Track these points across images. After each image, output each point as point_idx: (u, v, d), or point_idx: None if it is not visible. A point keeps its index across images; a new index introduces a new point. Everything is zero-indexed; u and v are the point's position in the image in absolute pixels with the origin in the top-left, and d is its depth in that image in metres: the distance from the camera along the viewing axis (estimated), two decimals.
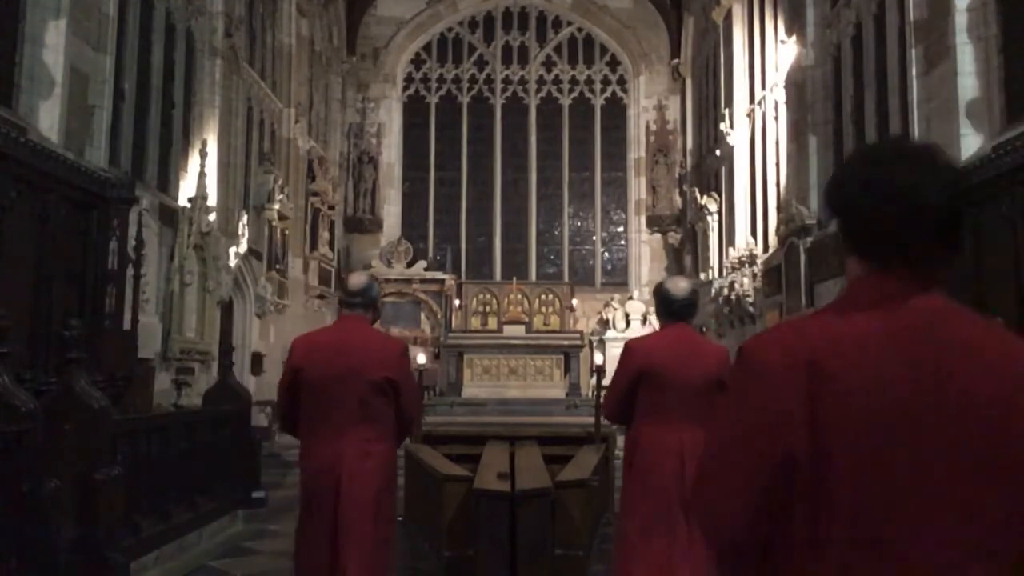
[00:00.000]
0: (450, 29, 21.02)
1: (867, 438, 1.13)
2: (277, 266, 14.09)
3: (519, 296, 18.00)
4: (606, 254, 20.88)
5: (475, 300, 19.29)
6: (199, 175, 10.75)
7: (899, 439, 1.14)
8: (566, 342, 16.30)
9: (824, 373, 1.15)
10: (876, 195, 1.23)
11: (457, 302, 18.88)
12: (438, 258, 20.08)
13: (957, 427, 1.15)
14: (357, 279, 3.66)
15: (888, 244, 1.25)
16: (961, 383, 1.16)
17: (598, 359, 8.22)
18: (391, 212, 20.22)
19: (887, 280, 1.25)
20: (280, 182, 14.26)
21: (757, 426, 1.18)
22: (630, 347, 3.68)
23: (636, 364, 3.56)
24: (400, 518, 6.97)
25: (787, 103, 12.82)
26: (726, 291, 15.01)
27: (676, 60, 20.01)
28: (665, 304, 3.68)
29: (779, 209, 13.00)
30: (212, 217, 10.81)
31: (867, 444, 1.13)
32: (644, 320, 18.63)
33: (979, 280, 7.05)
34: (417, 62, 20.92)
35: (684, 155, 19.85)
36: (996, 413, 1.16)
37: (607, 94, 20.94)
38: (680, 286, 3.73)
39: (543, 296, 19.30)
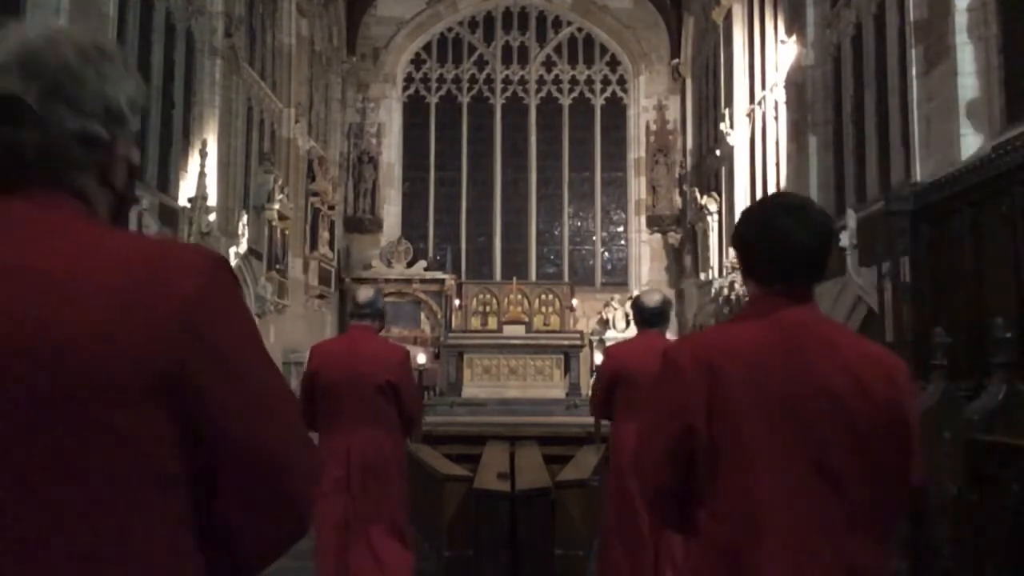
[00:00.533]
0: (450, 29, 21.02)
1: (746, 419, 1.56)
2: (277, 266, 14.08)
3: (519, 296, 18.00)
4: (606, 254, 20.88)
5: (475, 300, 19.29)
6: (199, 175, 10.75)
7: (772, 419, 1.56)
8: (566, 342, 16.30)
9: (719, 372, 1.59)
10: (765, 237, 1.70)
11: (457, 302, 18.88)
12: (438, 258, 20.08)
13: (818, 408, 1.56)
14: (365, 293, 4.14)
15: (772, 272, 1.69)
16: (820, 374, 1.57)
17: (598, 359, 8.22)
18: (391, 212, 20.22)
19: (771, 298, 1.68)
20: (280, 182, 14.26)
21: (671, 410, 1.65)
22: (606, 353, 4.48)
23: (610, 368, 4.25)
24: None
25: (787, 103, 12.81)
26: (726, 291, 15.01)
27: (676, 60, 20.01)
28: (638, 313, 4.36)
29: None
30: (212, 217, 10.81)
31: (747, 423, 1.56)
32: None
33: (979, 280, 7.05)
34: (417, 62, 20.92)
35: (684, 155, 19.84)
36: (848, 396, 1.56)
37: (607, 94, 20.94)
38: (653, 298, 4.42)
39: (543, 296, 19.30)
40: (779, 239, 1.67)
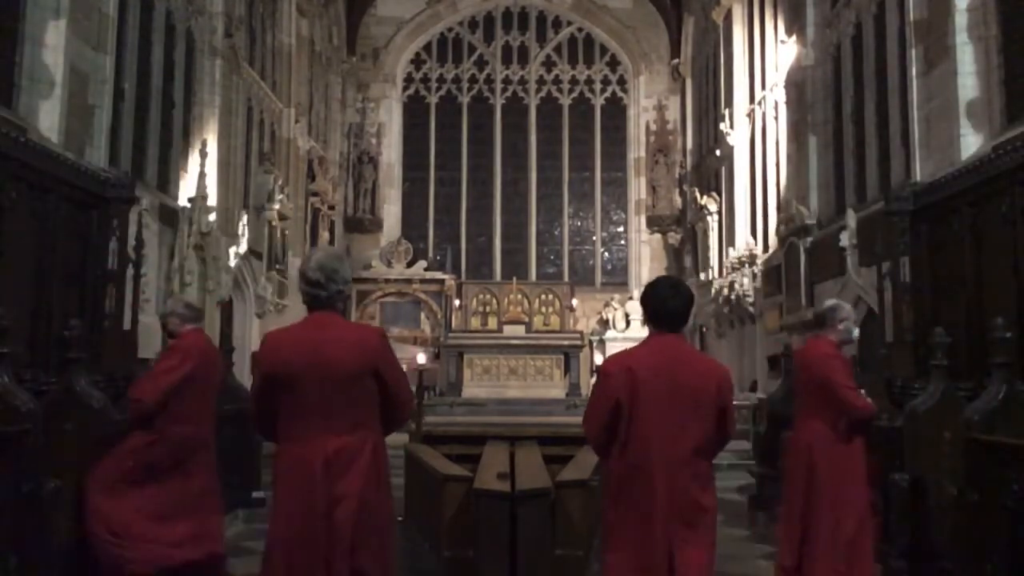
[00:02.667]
0: (450, 29, 21.02)
1: (646, 398, 2.99)
2: (277, 266, 14.08)
3: (519, 296, 18.00)
4: (606, 254, 20.88)
5: (475, 300, 19.30)
6: (199, 175, 10.75)
7: (659, 397, 2.99)
8: (566, 342, 16.30)
9: (633, 373, 3.02)
10: (654, 301, 3.15)
11: (457, 302, 18.88)
12: (438, 258, 20.08)
13: (682, 396, 3.00)
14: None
15: (657, 321, 3.15)
16: (681, 374, 3.03)
17: (598, 359, 8.22)
18: (391, 212, 20.22)
19: (656, 334, 3.15)
20: (280, 182, 14.26)
21: (605, 396, 3.09)
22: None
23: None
24: (400, 518, 6.98)
25: (787, 103, 12.81)
26: (726, 291, 15.01)
27: (676, 60, 20.01)
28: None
29: (779, 209, 13.00)
30: (212, 217, 10.80)
31: (646, 400, 2.99)
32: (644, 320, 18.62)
33: (979, 280, 7.05)
34: (417, 62, 20.92)
35: (684, 155, 19.85)
36: (693, 386, 3.02)
37: (607, 94, 20.94)
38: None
39: (543, 296, 19.31)
40: (661, 304, 3.15)
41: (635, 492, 3.01)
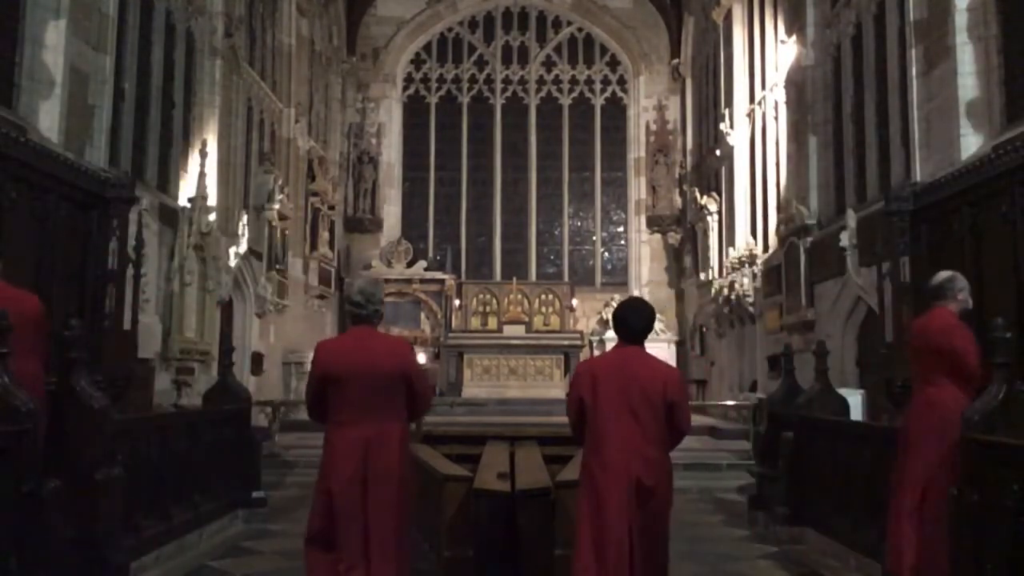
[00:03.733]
0: (450, 29, 21.02)
1: (604, 395, 3.73)
2: (277, 266, 14.08)
3: (519, 296, 18.01)
4: (606, 254, 20.88)
5: (475, 300, 19.29)
6: (199, 175, 10.75)
7: (614, 394, 3.71)
8: (566, 342, 16.31)
9: (593, 374, 3.83)
10: (619, 320, 3.90)
11: (457, 302, 18.88)
12: (438, 258, 20.08)
13: (632, 390, 3.69)
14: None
15: (622, 336, 3.89)
16: (636, 375, 3.72)
17: None
18: (391, 212, 20.22)
19: (621, 345, 3.89)
20: (280, 182, 14.26)
21: (576, 394, 3.86)
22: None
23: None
24: None
25: (787, 103, 12.81)
26: (726, 291, 15.01)
27: (676, 60, 20.00)
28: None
29: (779, 209, 13.00)
30: (212, 217, 10.80)
31: (604, 396, 3.72)
32: None
33: (979, 280, 7.04)
34: (417, 62, 20.92)
35: (684, 155, 19.84)
36: (650, 388, 3.69)
37: (607, 94, 20.94)
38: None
39: (543, 296, 19.31)
40: (624, 322, 3.87)
41: (595, 476, 3.66)
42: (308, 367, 14.55)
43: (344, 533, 3.80)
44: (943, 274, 4.80)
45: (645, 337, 3.86)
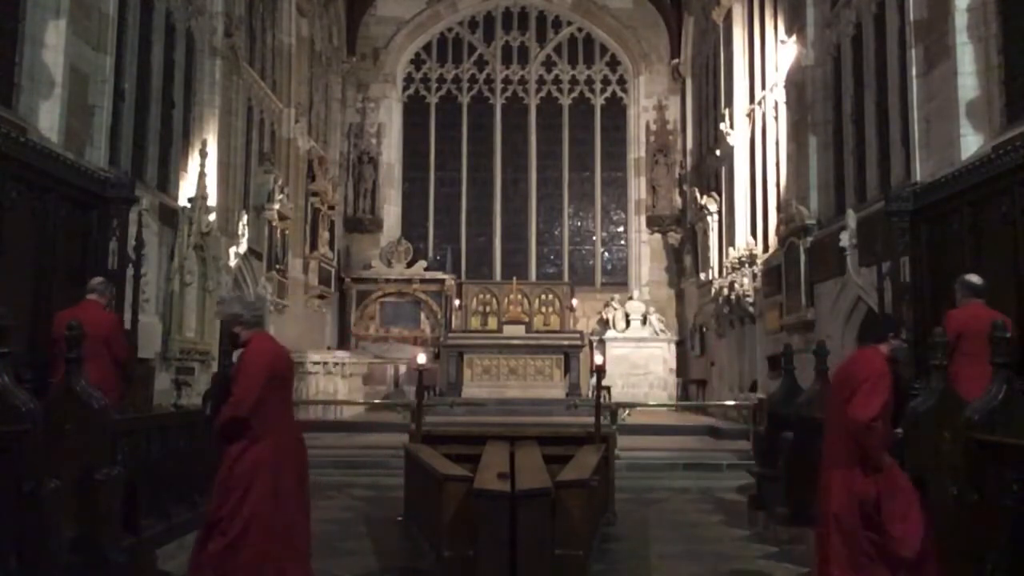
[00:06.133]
0: (450, 29, 21.02)
1: None
2: (277, 266, 14.08)
3: (519, 296, 18.00)
4: (606, 254, 20.88)
5: (475, 300, 19.30)
6: (199, 175, 10.74)
7: None
8: (566, 342, 16.29)
9: None
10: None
11: (457, 302, 18.88)
12: (438, 258, 20.08)
13: None
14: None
15: None
16: None
17: (598, 359, 8.21)
18: (391, 212, 20.22)
19: None
20: (280, 182, 14.26)
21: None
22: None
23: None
24: (400, 518, 6.99)
25: (787, 103, 12.81)
26: (726, 291, 15.01)
27: (676, 60, 20.01)
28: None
29: (779, 209, 13.00)
30: (212, 217, 10.80)
31: None
32: (644, 320, 18.64)
33: None
34: (417, 62, 20.92)
35: (684, 155, 19.84)
36: None
37: (607, 94, 20.94)
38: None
39: (543, 296, 19.31)
40: None
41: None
42: (309, 367, 14.55)
43: (293, 523, 4.23)
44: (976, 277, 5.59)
45: None
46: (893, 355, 4.49)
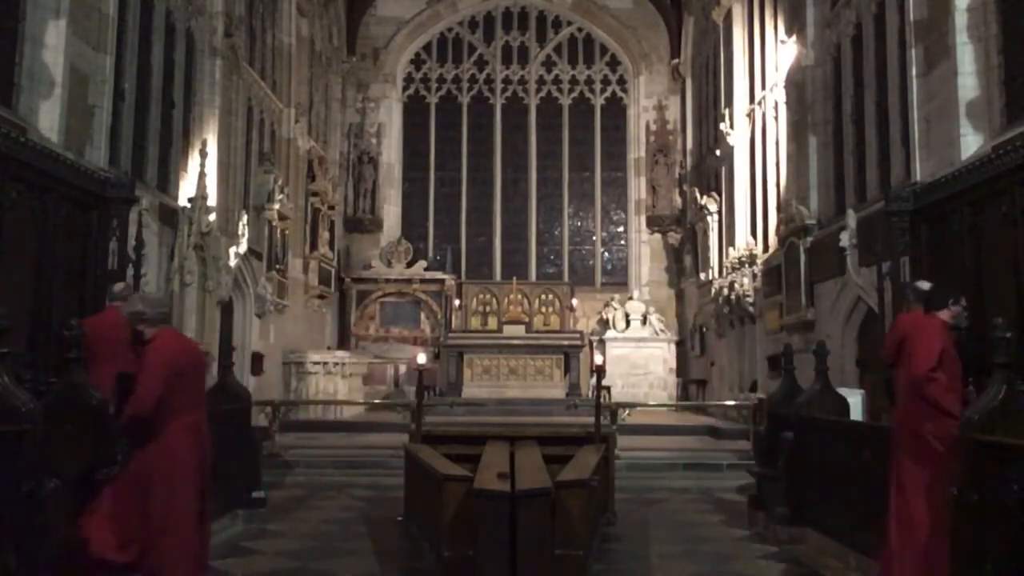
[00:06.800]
0: (450, 29, 21.02)
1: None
2: (277, 266, 14.08)
3: (519, 296, 18.00)
4: (606, 254, 20.88)
5: (475, 300, 19.30)
6: (199, 175, 10.74)
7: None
8: (566, 342, 16.29)
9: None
10: None
11: (457, 302, 18.88)
12: (438, 258, 20.08)
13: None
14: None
15: None
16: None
17: (598, 359, 8.22)
18: (391, 212, 20.22)
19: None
20: (280, 182, 14.25)
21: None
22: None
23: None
24: (400, 518, 6.99)
25: (787, 103, 12.81)
26: (726, 291, 15.01)
27: (676, 60, 20.01)
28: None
29: (779, 209, 13.00)
30: (212, 217, 10.80)
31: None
32: (644, 320, 18.64)
33: (979, 280, 7.05)
34: (417, 62, 20.92)
35: (684, 155, 19.84)
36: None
37: (607, 94, 20.94)
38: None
39: (543, 296, 19.31)
40: None
41: None
42: (309, 367, 14.53)
43: (196, 509, 4.42)
44: (926, 283, 5.43)
45: None
46: (955, 322, 4.86)
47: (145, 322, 4.55)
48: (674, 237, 19.70)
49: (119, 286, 6.46)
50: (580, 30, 20.97)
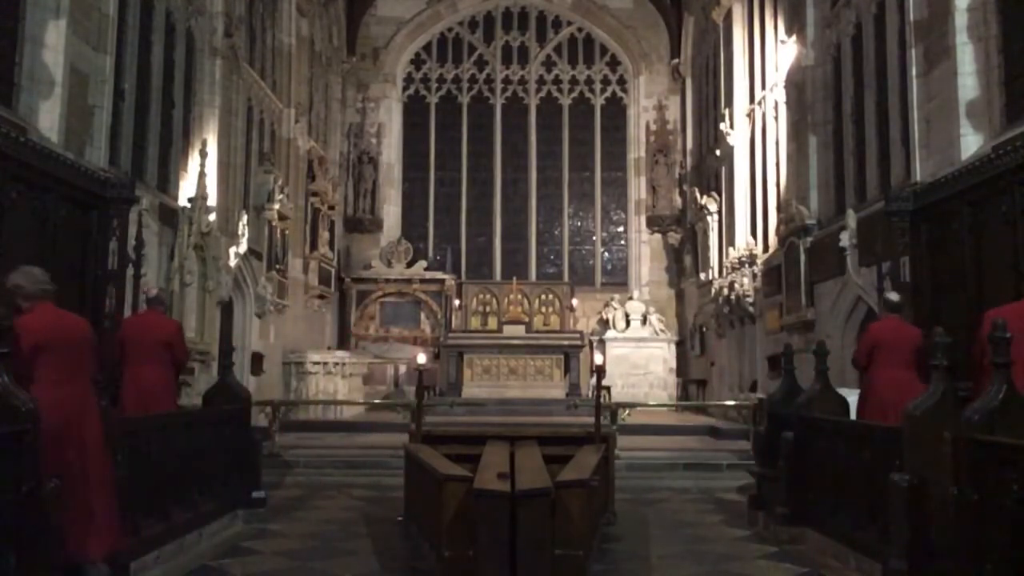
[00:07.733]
0: (450, 29, 21.02)
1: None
2: (277, 266, 14.08)
3: (519, 296, 18.00)
4: (606, 254, 20.89)
5: (475, 300, 19.30)
6: (199, 175, 10.74)
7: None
8: (566, 342, 16.29)
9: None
10: None
11: (457, 302, 18.88)
12: (438, 258, 20.09)
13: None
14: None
15: None
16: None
17: (598, 359, 8.21)
18: (391, 212, 20.23)
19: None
20: (280, 182, 14.25)
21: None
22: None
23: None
24: (400, 518, 6.99)
25: (787, 103, 12.81)
26: (726, 291, 15.01)
27: (676, 60, 20.01)
28: None
29: (779, 209, 13.00)
30: (212, 217, 10.80)
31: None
32: (644, 320, 18.64)
33: (979, 280, 7.06)
34: (417, 62, 20.93)
35: (684, 155, 19.84)
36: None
37: (607, 94, 20.94)
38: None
39: (543, 296, 19.31)
40: None
41: None
42: (309, 367, 14.52)
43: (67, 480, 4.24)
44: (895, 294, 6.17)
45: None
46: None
47: (23, 297, 4.54)
48: (674, 237, 19.70)
49: (154, 292, 7.15)
50: (580, 30, 20.98)
